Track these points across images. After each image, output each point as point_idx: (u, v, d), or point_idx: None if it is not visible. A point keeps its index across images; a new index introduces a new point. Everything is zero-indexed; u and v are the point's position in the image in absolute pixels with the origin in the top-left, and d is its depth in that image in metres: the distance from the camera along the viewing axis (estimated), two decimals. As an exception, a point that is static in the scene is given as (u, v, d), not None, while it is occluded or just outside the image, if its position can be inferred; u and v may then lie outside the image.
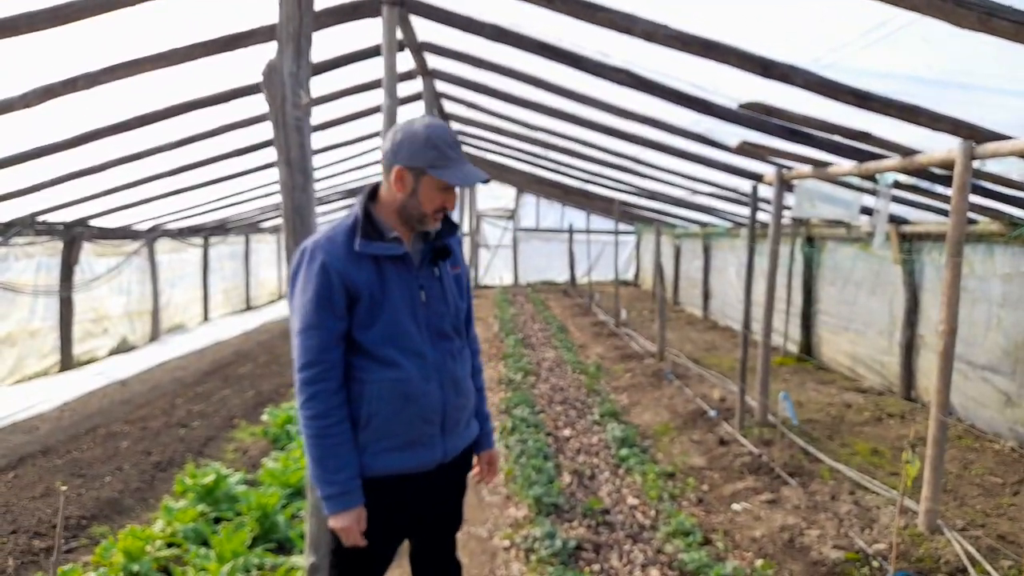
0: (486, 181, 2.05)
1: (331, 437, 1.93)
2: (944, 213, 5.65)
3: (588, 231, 17.31)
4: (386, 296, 1.97)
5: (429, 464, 2.07)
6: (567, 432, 5.86)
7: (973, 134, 3.67)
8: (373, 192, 2.07)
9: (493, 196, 18.97)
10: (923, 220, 6.28)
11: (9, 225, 7.07)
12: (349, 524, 1.94)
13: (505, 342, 9.94)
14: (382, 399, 1.96)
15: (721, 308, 11.84)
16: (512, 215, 19.27)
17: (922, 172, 4.61)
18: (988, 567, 3.40)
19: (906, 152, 4.34)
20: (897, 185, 5.08)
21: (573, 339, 10.48)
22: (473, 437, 2.25)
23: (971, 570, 3.38)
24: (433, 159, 1.94)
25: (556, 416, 6.35)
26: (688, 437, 5.60)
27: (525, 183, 15.86)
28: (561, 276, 18.68)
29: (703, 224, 11.97)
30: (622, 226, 15.21)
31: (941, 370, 3.80)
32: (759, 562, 3.60)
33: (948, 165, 3.93)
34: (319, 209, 12.60)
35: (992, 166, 4.31)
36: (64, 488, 2.10)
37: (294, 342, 1.98)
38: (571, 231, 17.75)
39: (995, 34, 2.55)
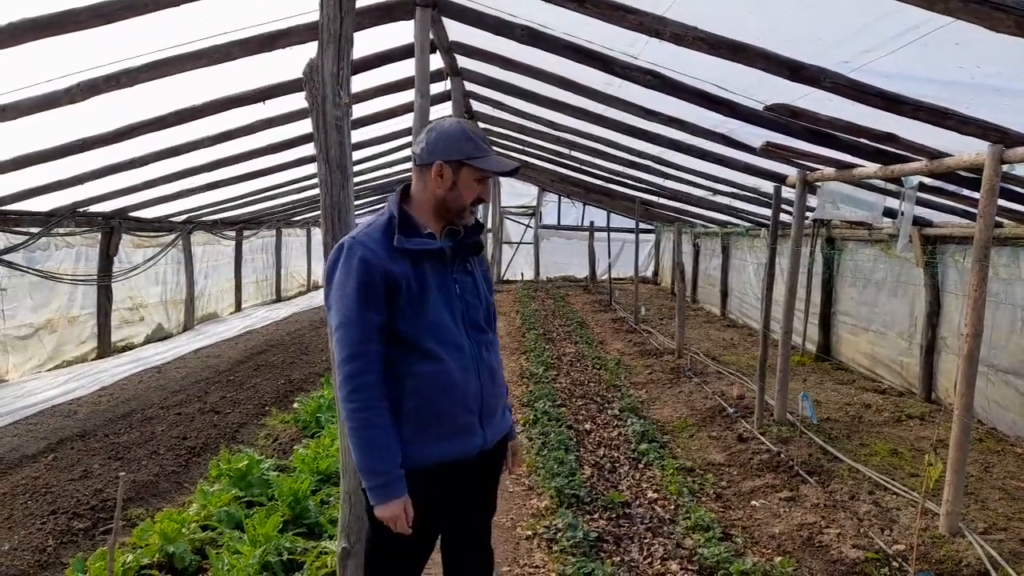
0: (516, 170, 2.15)
1: (375, 428, 1.96)
2: (969, 216, 5.63)
3: (609, 229, 17.34)
4: (424, 290, 2.04)
5: (472, 451, 2.13)
6: (588, 426, 5.95)
7: (1003, 138, 3.65)
8: (405, 191, 2.16)
9: (516, 194, 19.10)
10: (947, 222, 6.26)
11: (51, 215, 7.31)
12: (396, 513, 1.96)
13: (527, 336, 10.04)
14: (425, 391, 2.03)
15: (739, 307, 11.85)
16: (534, 212, 19.37)
17: (948, 175, 4.59)
18: (1010, 571, 3.39)
19: (933, 155, 4.32)
20: (922, 187, 5.07)
21: (593, 335, 10.55)
22: (509, 426, 2.33)
23: (993, 573, 3.37)
24: (471, 151, 2.07)
25: (577, 410, 6.44)
26: (707, 433, 5.66)
27: (548, 181, 15.91)
28: (581, 273, 18.74)
29: (723, 224, 11.97)
30: (642, 225, 15.21)
31: (965, 373, 3.79)
32: (778, 559, 3.64)
33: (976, 168, 3.91)
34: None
35: (1021, 169, 4.30)
36: (122, 474, 2.21)
37: (334, 336, 2.00)
38: (592, 229, 17.79)
39: None
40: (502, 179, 17.79)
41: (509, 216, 19.48)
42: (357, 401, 1.96)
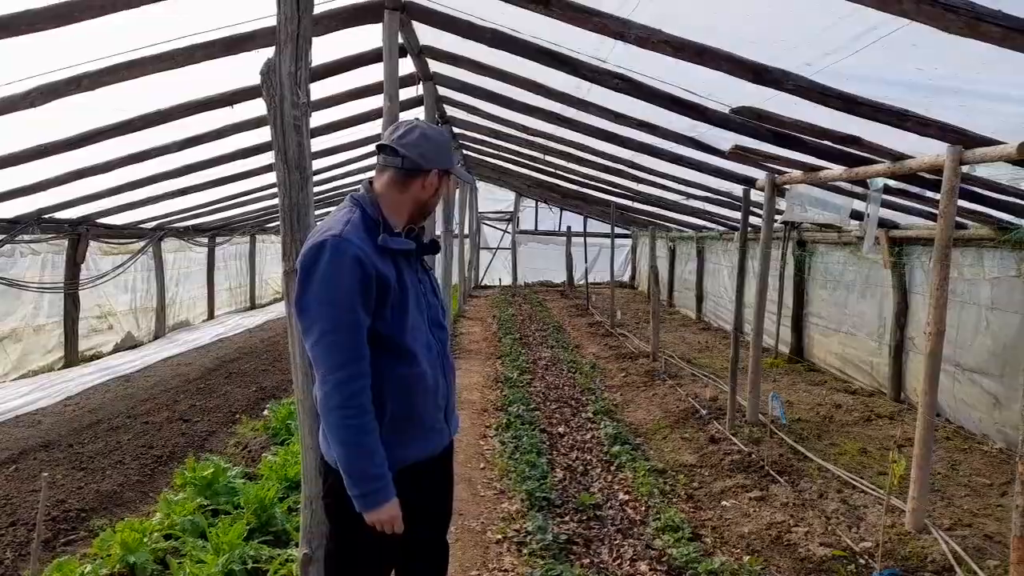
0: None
1: (371, 434, 1.92)
2: (933, 217, 5.71)
3: (585, 234, 17.39)
4: (405, 290, 2.02)
5: (439, 449, 2.17)
6: (561, 429, 5.94)
7: (962, 139, 3.70)
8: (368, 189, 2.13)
9: (493, 199, 19.11)
10: (913, 224, 6.36)
11: (15, 222, 7.15)
12: (394, 514, 1.95)
13: (503, 341, 10.02)
14: (405, 394, 2.01)
15: (714, 310, 11.95)
16: (511, 217, 19.40)
17: (912, 177, 4.66)
18: (974, 566, 3.43)
19: (896, 157, 4.39)
20: (887, 190, 5.14)
21: (569, 339, 10.55)
22: (459, 419, 2.40)
23: (957, 569, 3.41)
24: (455, 160, 2.18)
25: (551, 413, 6.43)
26: (680, 435, 5.68)
27: (524, 186, 15.93)
28: (559, 278, 18.80)
29: (698, 228, 12.06)
30: (619, 229, 15.28)
31: (928, 371, 3.84)
32: (747, 558, 3.65)
33: (937, 170, 3.97)
34: (319, 211, 12.67)
35: (981, 171, 4.38)
36: (45, 475, 2.14)
37: (319, 342, 1.88)
38: (569, 234, 17.84)
39: (983, 39, 2.56)
40: (479, 184, 17.84)
41: (486, 221, 19.48)
42: (351, 408, 1.88)
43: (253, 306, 14.48)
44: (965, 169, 3.88)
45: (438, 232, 9.06)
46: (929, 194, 5.09)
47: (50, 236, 7.89)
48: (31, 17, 3.39)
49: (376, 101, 6.60)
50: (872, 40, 3.23)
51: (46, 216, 7.47)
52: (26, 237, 7.48)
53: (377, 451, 1.92)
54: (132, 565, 3.39)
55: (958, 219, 5.34)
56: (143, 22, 3.86)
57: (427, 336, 2.09)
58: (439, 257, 9.35)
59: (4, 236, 7.07)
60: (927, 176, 4.56)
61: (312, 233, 2.02)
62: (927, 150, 4.09)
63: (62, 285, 8.14)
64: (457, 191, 12.59)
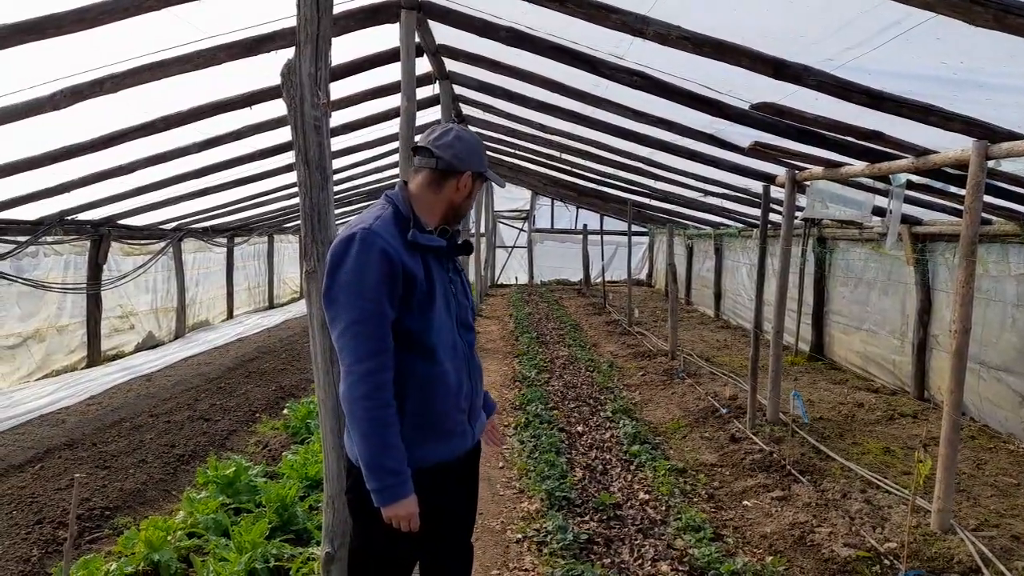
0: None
1: (391, 427, 1.91)
2: (958, 213, 5.63)
3: (602, 232, 17.35)
4: (432, 287, 2.02)
5: (462, 451, 2.15)
6: (580, 428, 5.93)
7: (987, 133, 3.64)
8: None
9: (509, 198, 19.13)
10: (936, 220, 6.27)
11: (38, 224, 7.26)
12: (412, 510, 1.94)
13: (520, 340, 10.02)
14: (425, 391, 2.00)
15: (733, 308, 11.87)
16: (527, 216, 19.40)
17: (936, 172, 4.60)
18: (1002, 567, 3.37)
19: (919, 152, 4.33)
20: (910, 185, 5.07)
21: (586, 337, 10.53)
22: (485, 422, 2.37)
23: (984, 570, 3.36)
24: (486, 164, 2.19)
25: (569, 412, 6.42)
26: (699, 434, 5.65)
27: (540, 185, 15.90)
28: (575, 276, 18.76)
29: (715, 225, 11.98)
30: (635, 227, 15.22)
31: (954, 369, 3.78)
32: (769, 558, 3.62)
33: (962, 165, 3.91)
34: (338, 211, 12.76)
35: (1007, 166, 4.30)
36: (78, 475, 2.16)
37: (345, 333, 1.90)
38: (585, 232, 17.79)
39: (1010, 31, 2.52)
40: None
41: (502, 220, 19.50)
42: (374, 400, 1.89)
43: (271, 306, 14.62)
44: (991, 164, 3.81)
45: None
46: (953, 189, 5.00)
47: (72, 237, 8.00)
48: (57, 20, 3.44)
49: (393, 101, 6.62)
50: (895, 34, 3.18)
51: (68, 218, 7.58)
52: (49, 238, 7.60)
53: (397, 446, 1.92)
54: (156, 563, 3.43)
55: (983, 215, 5.25)
56: (166, 24, 3.90)
57: (453, 336, 2.08)
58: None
59: (28, 237, 7.18)
60: (951, 171, 4.50)
61: (343, 228, 2.04)
62: (951, 145, 4.03)
63: (84, 285, 8.26)
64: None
